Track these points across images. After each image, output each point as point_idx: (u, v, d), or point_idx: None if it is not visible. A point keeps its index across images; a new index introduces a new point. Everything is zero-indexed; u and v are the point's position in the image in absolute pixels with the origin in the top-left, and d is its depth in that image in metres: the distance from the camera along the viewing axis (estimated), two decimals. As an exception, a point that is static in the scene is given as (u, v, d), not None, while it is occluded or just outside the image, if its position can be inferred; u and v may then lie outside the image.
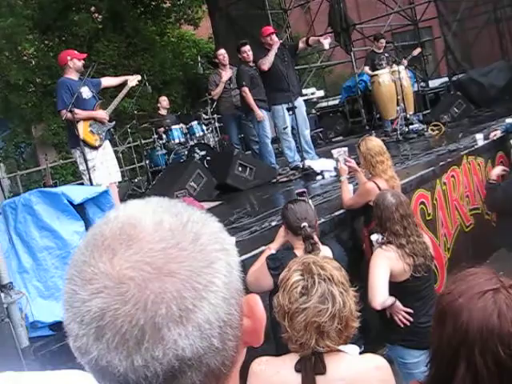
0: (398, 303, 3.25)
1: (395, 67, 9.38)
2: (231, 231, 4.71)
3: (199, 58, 11.33)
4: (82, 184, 6.35)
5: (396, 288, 3.31)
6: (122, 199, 6.74)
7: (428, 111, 11.38)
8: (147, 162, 9.32)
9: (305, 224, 3.13)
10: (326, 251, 3.21)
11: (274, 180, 7.62)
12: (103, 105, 6.50)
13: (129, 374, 0.60)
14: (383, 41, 10.04)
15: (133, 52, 16.47)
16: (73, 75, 6.21)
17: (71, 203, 3.51)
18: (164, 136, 9.19)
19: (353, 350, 2.04)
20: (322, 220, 4.54)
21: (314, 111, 13.59)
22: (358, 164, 4.62)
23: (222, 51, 8.79)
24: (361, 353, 2.12)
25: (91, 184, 5.84)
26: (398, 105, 9.29)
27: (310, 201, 4.31)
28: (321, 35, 9.25)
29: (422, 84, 13.08)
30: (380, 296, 3.22)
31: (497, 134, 7.14)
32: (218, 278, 0.63)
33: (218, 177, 7.38)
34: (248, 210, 6.00)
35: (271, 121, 8.20)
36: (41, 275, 3.41)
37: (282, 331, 2.03)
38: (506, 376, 1.26)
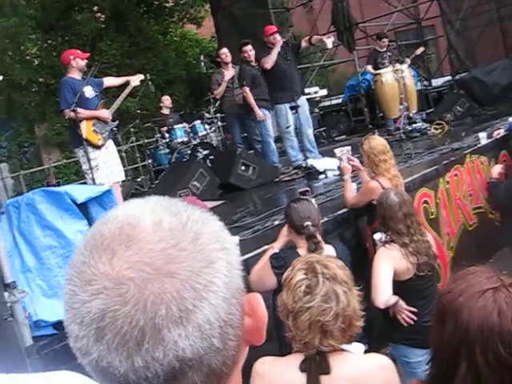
0: (402, 302, 3.25)
1: (398, 66, 9.37)
2: (234, 230, 4.70)
3: (202, 57, 11.33)
4: (85, 183, 6.35)
5: (399, 287, 3.31)
6: (125, 198, 6.74)
7: (431, 110, 11.35)
8: (150, 161, 9.32)
9: (308, 223, 3.12)
10: (329, 250, 3.21)
11: (277, 179, 7.62)
12: (106, 104, 6.50)
13: (129, 374, 0.60)
14: (386, 40, 10.02)
15: (135, 51, 16.47)
16: (76, 74, 6.21)
17: (74, 202, 3.52)
18: (167, 135, 9.19)
19: (357, 348, 2.04)
20: (325, 219, 4.54)
21: (316, 110, 13.59)
22: (362, 163, 4.61)
23: (225, 50, 8.79)
24: (364, 352, 2.12)
25: (94, 183, 5.85)
26: (401, 104, 9.27)
27: (313, 200, 4.31)
28: (324, 34, 9.25)
29: (425, 83, 13.09)
30: (383, 295, 3.22)
31: (500, 132, 7.12)
32: (218, 278, 0.63)
33: (221, 176, 7.37)
34: (251, 209, 5.99)
35: (274, 120, 8.20)
36: (44, 274, 3.41)
37: (286, 330, 2.02)
38: (506, 374, 1.26)
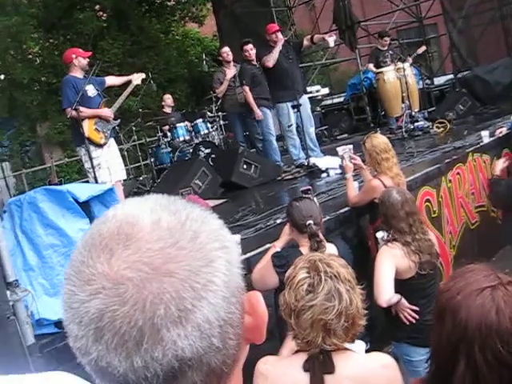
0: (404, 301, 3.25)
1: (400, 64, 9.36)
2: (236, 229, 4.70)
3: (204, 56, 11.33)
4: (88, 182, 6.36)
5: (401, 285, 3.31)
6: (127, 197, 6.71)
7: (433, 108, 11.34)
8: (152, 159, 9.32)
9: (310, 222, 3.12)
10: (331, 249, 3.21)
11: (279, 178, 7.62)
12: (108, 103, 6.51)
13: (129, 374, 0.60)
14: (387, 38, 10.01)
15: (137, 50, 16.48)
16: (78, 73, 6.22)
17: (76, 201, 3.52)
18: (169, 134, 9.19)
19: (359, 346, 2.03)
20: (327, 217, 4.53)
21: (318, 109, 13.58)
22: (364, 161, 4.61)
23: (226, 49, 8.78)
24: (367, 350, 2.12)
25: (96, 182, 5.85)
26: (403, 102, 9.28)
27: (315, 198, 4.30)
28: (325, 33, 9.24)
29: (428, 81, 13.07)
30: (386, 293, 3.21)
31: (502, 131, 7.12)
32: (217, 277, 0.63)
33: (223, 174, 7.38)
34: (253, 207, 5.99)
35: (276, 118, 8.20)
36: (46, 273, 3.41)
37: (288, 329, 2.02)
38: (505, 372, 1.27)
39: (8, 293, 3.00)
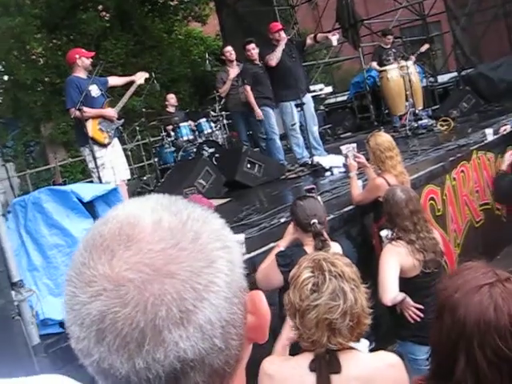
0: (409, 299, 3.24)
1: (403, 62, 9.35)
2: (240, 228, 4.70)
3: (207, 55, 11.33)
4: (92, 182, 6.37)
5: (406, 284, 3.30)
6: (131, 197, 6.73)
7: (437, 106, 11.32)
8: (156, 159, 9.32)
9: (314, 221, 3.12)
10: (335, 247, 3.20)
11: (283, 177, 7.62)
12: (112, 103, 6.51)
13: (131, 376, 0.59)
14: (390, 37, 10.00)
15: (140, 50, 16.48)
16: (81, 73, 6.23)
17: (81, 201, 3.52)
18: (172, 133, 9.20)
19: (363, 344, 2.03)
20: (332, 216, 4.53)
21: (322, 107, 13.57)
22: (367, 160, 4.60)
23: (229, 48, 8.79)
24: (372, 349, 2.11)
25: (100, 182, 5.86)
26: (406, 100, 9.26)
27: (318, 197, 4.30)
28: (329, 31, 9.26)
29: (431, 79, 13.04)
30: (390, 292, 3.21)
31: (507, 128, 7.11)
32: (219, 278, 0.62)
33: (227, 174, 7.38)
34: (257, 206, 5.99)
35: (279, 117, 8.19)
36: (51, 273, 3.42)
37: (293, 329, 2.02)
38: (505, 368, 1.28)
39: (13, 293, 3.01)
